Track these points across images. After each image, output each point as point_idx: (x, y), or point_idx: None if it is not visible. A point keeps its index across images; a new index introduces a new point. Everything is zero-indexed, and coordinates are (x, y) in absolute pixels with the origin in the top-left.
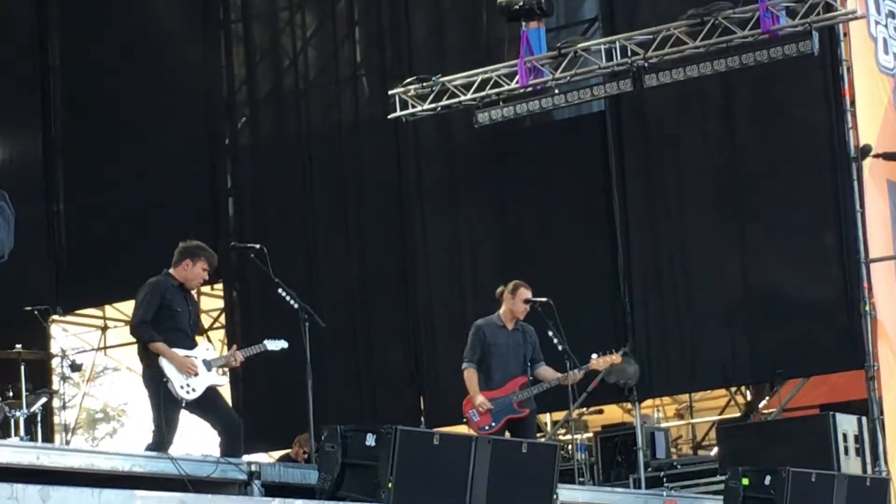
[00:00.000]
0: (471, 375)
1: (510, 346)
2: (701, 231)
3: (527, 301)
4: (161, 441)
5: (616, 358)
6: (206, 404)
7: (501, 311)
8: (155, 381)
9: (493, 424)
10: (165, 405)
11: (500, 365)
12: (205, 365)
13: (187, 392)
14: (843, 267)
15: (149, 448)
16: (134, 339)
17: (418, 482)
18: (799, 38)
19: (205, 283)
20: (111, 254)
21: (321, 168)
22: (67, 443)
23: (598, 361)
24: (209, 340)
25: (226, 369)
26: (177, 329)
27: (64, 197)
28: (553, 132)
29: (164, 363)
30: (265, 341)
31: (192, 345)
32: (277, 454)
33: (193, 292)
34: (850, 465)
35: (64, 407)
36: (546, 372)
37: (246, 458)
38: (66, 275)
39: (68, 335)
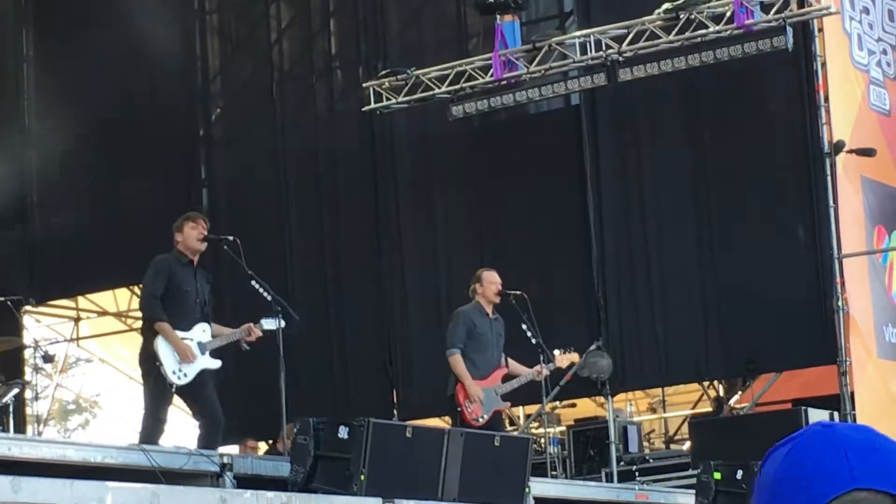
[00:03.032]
0: (459, 361)
1: (492, 336)
2: (674, 225)
3: (498, 287)
4: (150, 428)
5: (575, 357)
6: (196, 391)
7: (477, 299)
8: (148, 362)
9: (485, 416)
10: (156, 389)
11: (483, 354)
12: (199, 348)
13: (178, 378)
14: (816, 262)
15: (140, 434)
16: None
17: (391, 474)
18: (773, 34)
19: (207, 237)
20: (84, 245)
21: (295, 160)
22: (39, 434)
23: (561, 358)
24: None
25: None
26: (180, 309)
27: (37, 187)
28: (528, 126)
29: (161, 345)
30: (262, 321)
31: (190, 326)
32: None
33: (206, 273)
34: None
35: (36, 398)
36: (516, 366)
37: (218, 450)
38: (38, 265)
39: (41, 326)
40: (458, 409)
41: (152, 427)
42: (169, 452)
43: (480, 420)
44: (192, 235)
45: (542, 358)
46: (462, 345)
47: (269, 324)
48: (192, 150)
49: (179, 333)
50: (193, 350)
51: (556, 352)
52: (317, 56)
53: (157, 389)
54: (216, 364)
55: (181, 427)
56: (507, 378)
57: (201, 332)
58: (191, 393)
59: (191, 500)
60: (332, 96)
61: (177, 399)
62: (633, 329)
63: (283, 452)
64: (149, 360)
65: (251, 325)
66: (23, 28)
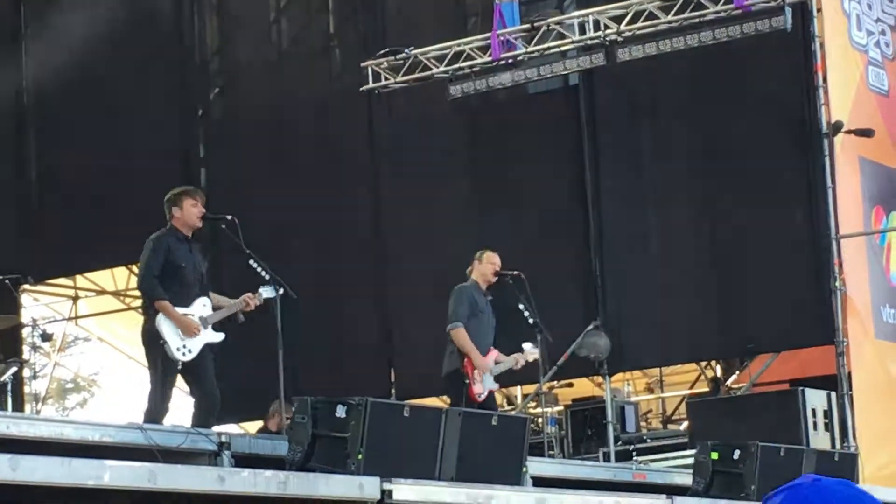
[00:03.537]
0: (464, 335)
1: (488, 316)
2: (672, 205)
3: (496, 267)
4: (156, 407)
5: (536, 354)
6: (196, 369)
7: (475, 278)
8: (151, 341)
9: (485, 394)
10: (163, 368)
11: (481, 332)
12: (201, 323)
13: (184, 354)
14: (814, 243)
15: (145, 413)
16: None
17: (388, 454)
18: (772, 14)
19: (205, 216)
20: (83, 224)
21: (293, 139)
22: (38, 412)
23: (530, 353)
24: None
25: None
26: (180, 286)
27: (36, 166)
28: (526, 105)
29: (164, 323)
30: (260, 289)
31: (191, 301)
32: (248, 425)
33: (200, 246)
34: (819, 440)
35: (34, 377)
36: (498, 353)
37: (216, 428)
38: (37, 244)
39: (39, 304)
40: (466, 381)
41: (158, 407)
42: (167, 431)
43: (480, 398)
44: (192, 213)
45: (538, 338)
46: (465, 320)
47: (268, 292)
48: (190, 130)
49: (181, 310)
50: (197, 324)
51: (527, 345)
52: (315, 35)
53: (163, 368)
54: (219, 337)
55: (180, 406)
56: (496, 362)
57: (202, 307)
58: (191, 370)
59: (188, 479)
60: (330, 75)
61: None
62: (631, 309)
63: (276, 430)
64: (152, 340)
65: (249, 294)
66: (20, 2)
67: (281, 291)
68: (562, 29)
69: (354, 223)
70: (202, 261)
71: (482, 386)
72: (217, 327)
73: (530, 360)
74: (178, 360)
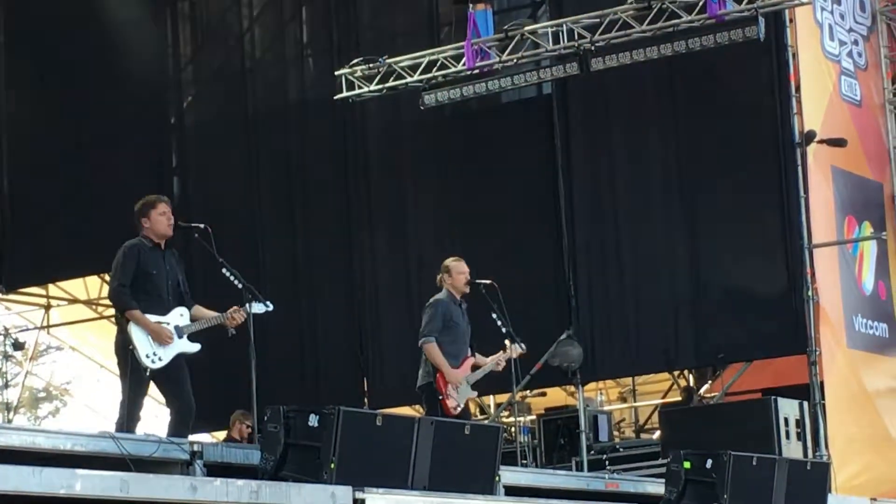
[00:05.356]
0: (435, 349)
1: (463, 325)
2: (646, 215)
3: (466, 276)
4: (127, 416)
5: (521, 350)
6: (170, 377)
7: (448, 289)
8: (122, 349)
9: (461, 406)
10: (132, 375)
11: (457, 343)
12: (176, 332)
13: (153, 361)
14: (787, 252)
15: (116, 422)
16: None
17: (361, 463)
18: (745, 24)
19: (178, 225)
20: (55, 232)
21: (267, 148)
22: (9, 421)
23: (511, 349)
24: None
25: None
26: (152, 293)
27: (7, 175)
28: (500, 114)
29: (134, 330)
30: (250, 305)
31: (166, 310)
32: (220, 434)
33: (176, 254)
34: (792, 449)
35: (6, 385)
36: (479, 357)
37: (188, 437)
38: (9, 253)
39: (11, 313)
40: (440, 397)
41: (129, 416)
42: (139, 440)
43: (456, 411)
44: (161, 222)
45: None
46: (437, 334)
47: (257, 308)
48: (163, 138)
49: (155, 318)
50: (169, 332)
51: (507, 342)
52: (288, 44)
53: (133, 377)
54: (194, 348)
55: (152, 415)
56: (475, 368)
57: (178, 316)
58: (164, 378)
59: (160, 488)
60: (303, 84)
61: (151, 386)
62: (604, 318)
63: (240, 440)
64: (123, 347)
65: (235, 308)
66: None
67: (270, 308)
68: (536, 38)
69: (327, 231)
70: (178, 270)
71: (456, 400)
72: (195, 338)
73: (515, 355)
74: (147, 366)
